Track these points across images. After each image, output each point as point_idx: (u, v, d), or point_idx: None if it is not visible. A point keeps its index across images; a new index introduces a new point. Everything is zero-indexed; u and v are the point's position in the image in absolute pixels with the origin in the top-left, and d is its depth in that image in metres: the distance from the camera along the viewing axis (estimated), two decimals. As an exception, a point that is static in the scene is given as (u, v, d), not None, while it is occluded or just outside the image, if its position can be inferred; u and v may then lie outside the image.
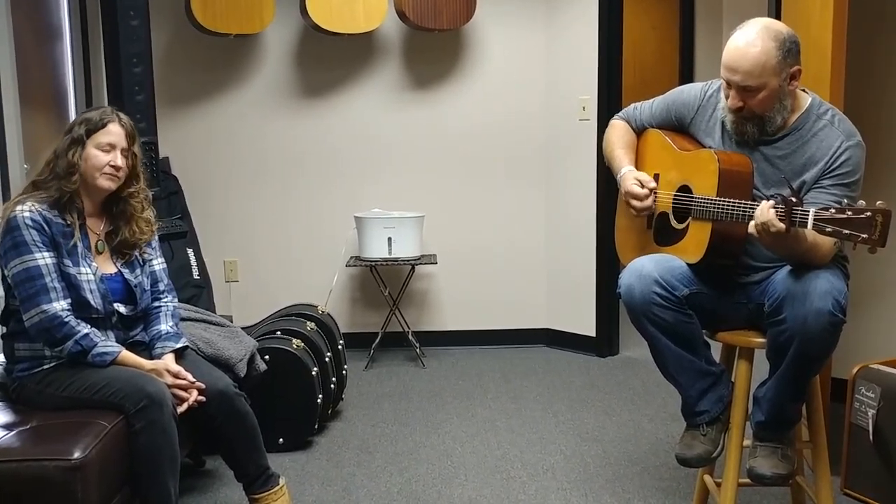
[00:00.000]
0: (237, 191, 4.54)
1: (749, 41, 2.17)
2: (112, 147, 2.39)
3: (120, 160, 2.40)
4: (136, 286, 2.49)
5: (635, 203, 2.42)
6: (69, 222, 2.36)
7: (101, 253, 2.46)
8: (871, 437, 2.63)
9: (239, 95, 4.48)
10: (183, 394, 2.37)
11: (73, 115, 3.90)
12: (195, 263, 4.17)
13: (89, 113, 2.43)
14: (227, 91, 4.48)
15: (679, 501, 2.77)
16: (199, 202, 4.43)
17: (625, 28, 4.47)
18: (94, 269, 2.39)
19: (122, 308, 2.46)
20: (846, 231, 1.94)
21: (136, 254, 2.52)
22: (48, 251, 2.31)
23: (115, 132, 2.40)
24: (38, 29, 3.75)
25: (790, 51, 2.18)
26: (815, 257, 2.14)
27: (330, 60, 4.47)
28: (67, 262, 2.34)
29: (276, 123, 4.52)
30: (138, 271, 2.52)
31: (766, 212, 2.05)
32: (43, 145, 3.48)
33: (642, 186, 2.40)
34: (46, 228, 2.31)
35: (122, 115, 2.45)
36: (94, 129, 2.38)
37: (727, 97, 2.26)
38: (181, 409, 2.33)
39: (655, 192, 2.41)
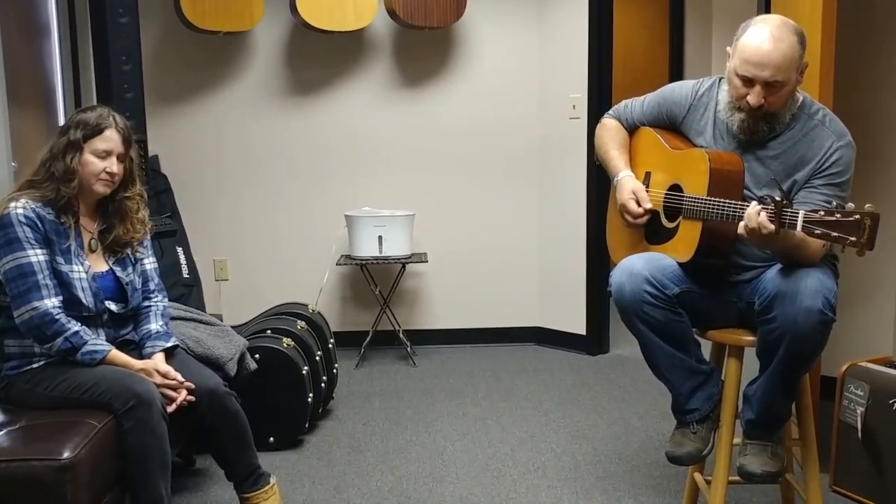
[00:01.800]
0: (227, 189, 4.52)
1: (777, 36, 2.15)
2: (108, 154, 2.39)
3: (116, 167, 2.40)
4: (127, 284, 2.49)
5: (627, 217, 2.44)
6: (63, 221, 2.36)
7: (94, 251, 2.46)
8: (859, 435, 2.64)
9: (229, 93, 4.47)
10: (172, 393, 2.36)
11: (61, 113, 3.87)
12: (185, 262, 4.16)
13: (86, 114, 2.41)
14: (217, 89, 4.46)
15: (669, 499, 2.78)
16: (189, 200, 4.41)
17: (615, 27, 4.47)
18: (87, 268, 2.39)
19: (113, 306, 2.46)
20: (835, 234, 1.95)
21: (129, 252, 2.52)
22: (41, 248, 2.31)
23: (111, 138, 2.39)
24: (25, 26, 3.72)
25: (804, 45, 2.19)
26: (805, 255, 2.15)
27: (320, 58, 4.47)
28: (60, 259, 2.34)
29: (267, 121, 4.50)
30: (130, 269, 2.52)
31: (754, 217, 2.05)
32: (31, 143, 3.47)
33: (639, 204, 2.41)
34: (40, 225, 2.31)
35: (118, 118, 2.43)
36: (91, 135, 2.37)
37: (740, 96, 2.22)
38: (170, 408, 2.33)
39: (649, 213, 2.41)
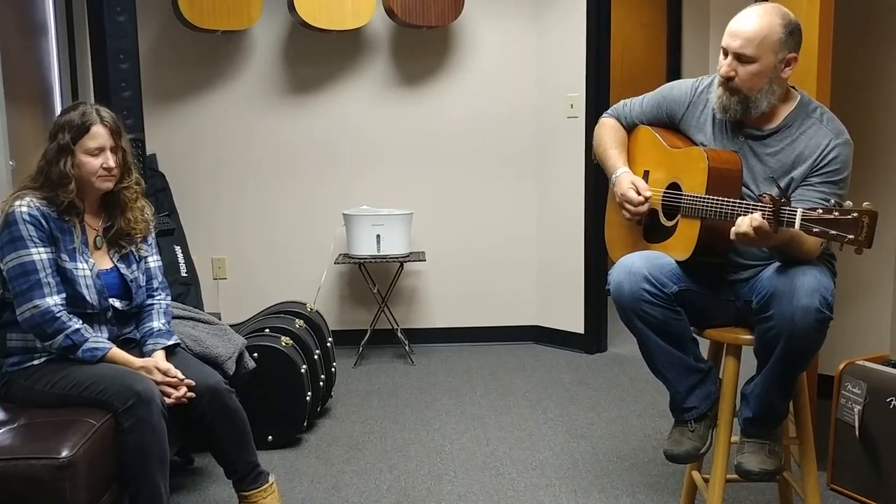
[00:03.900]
0: (225, 188, 4.52)
1: (758, 13, 2.21)
2: (101, 150, 2.38)
3: (111, 161, 2.40)
4: (132, 281, 2.50)
5: (629, 207, 2.43)
6: (68, 220, 2.37)
7: (98, 248, 2.47)
8: (857, 433, 2.65)
9: (227, 92, 4.47)
10: (172, 391, 2.36)
11: (58, 112, 3.86)
12: (183, 261, 4.16)
13: (70, 114, 2.40)
14: (215, 88, 4.46)
15: (667, 497, 2.79)
16: (187, 199, 4.41)
17: (613, 25, 4.47)
18: (91, 265, 2.40)
19: (117, 303, 2.46)
20: (833, 232, 1.95)
21: (132, 249, 2.53)
22: (44, 246, 2.31)
23: (100, 134, 2.38)
24: (23, 24, 3.72)
25: (792, 35, 2.21)
26: (801, 250, 2.14)
27: (318, 57, 4.46)
28: (64, 256, 2.35)
29: (265, 120, 4.50)
30: (134, 266, 2.52)
31: (746, 224, 2.06)
32: (28, 142, 3.46)
33: (638, 193, 2.41)
34: (44, 223, 2.32)
35: (103, 112, 2.42)
36: (80, 135, 2.36)
37: (718, 68, 2.28)
38: (169, 401, 2.33)
39: (649, 200, 2.41)
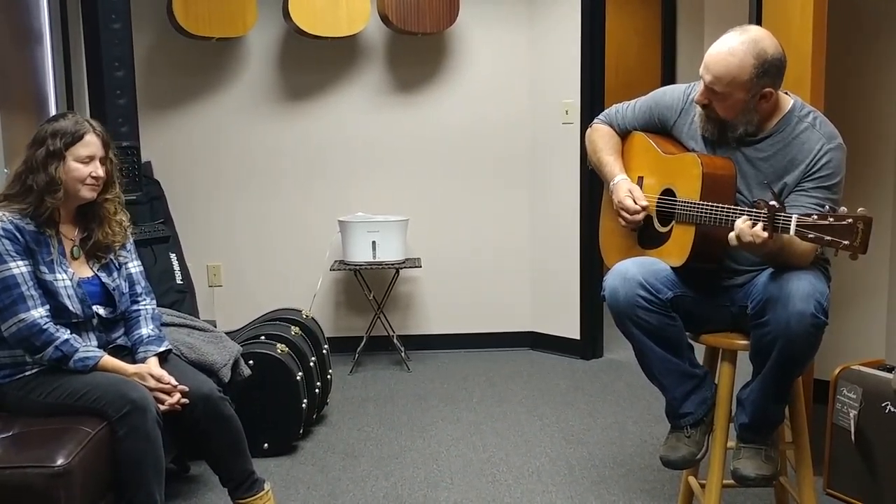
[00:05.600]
0: (220, 195, 4.52)
1: (732, 49, 2.19)
2: (91, 158, 2.38)
3: (100, 170, 2.40)
4: (114, 289, 2.49)
5: (625, 215, 2.44)
6: (43, 231, 2.35)
7: (76, 258, 2.45)
8: (852, 438, 2.66)
9: (222, 99, 4.47)
10: (166, 397, 2.35)
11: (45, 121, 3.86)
12: (178, 268, 4.15)
13: (61, 123, 2.40)
14: (210, 95, 4.46)
15: (664, 503, 2.79)
16: (182, 206, 4.40)
17: (607, 32, 4.48)
18: (71, 275, 2.39)
19: (101, 310, 2.45)
20: (828, 237, 1.95)
21: (112, 257, 2.52)
22: (22, 260, 2.30)
23: (92, 143, 2.39)
24: (17, 32, 3.72)
25: (767, 72, 2.18)
26: (793, 255, 2.15)
27: (313, 64, 4.47)
28: (43, 268, 2.33)
29: (260, 127, 4.50)
30: (115, 274, 2.51)
31: (747, 231, 2.06)
32: (23, 150, 3.46)
33: (635, 202, 2.42)
34: (20, 237, 2.30)
35: (94, 123, 2.43)
36: (72, 142, 2.36)
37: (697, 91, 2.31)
38: (163, 407, 2.32)
39: (646, 210, 2.42)
